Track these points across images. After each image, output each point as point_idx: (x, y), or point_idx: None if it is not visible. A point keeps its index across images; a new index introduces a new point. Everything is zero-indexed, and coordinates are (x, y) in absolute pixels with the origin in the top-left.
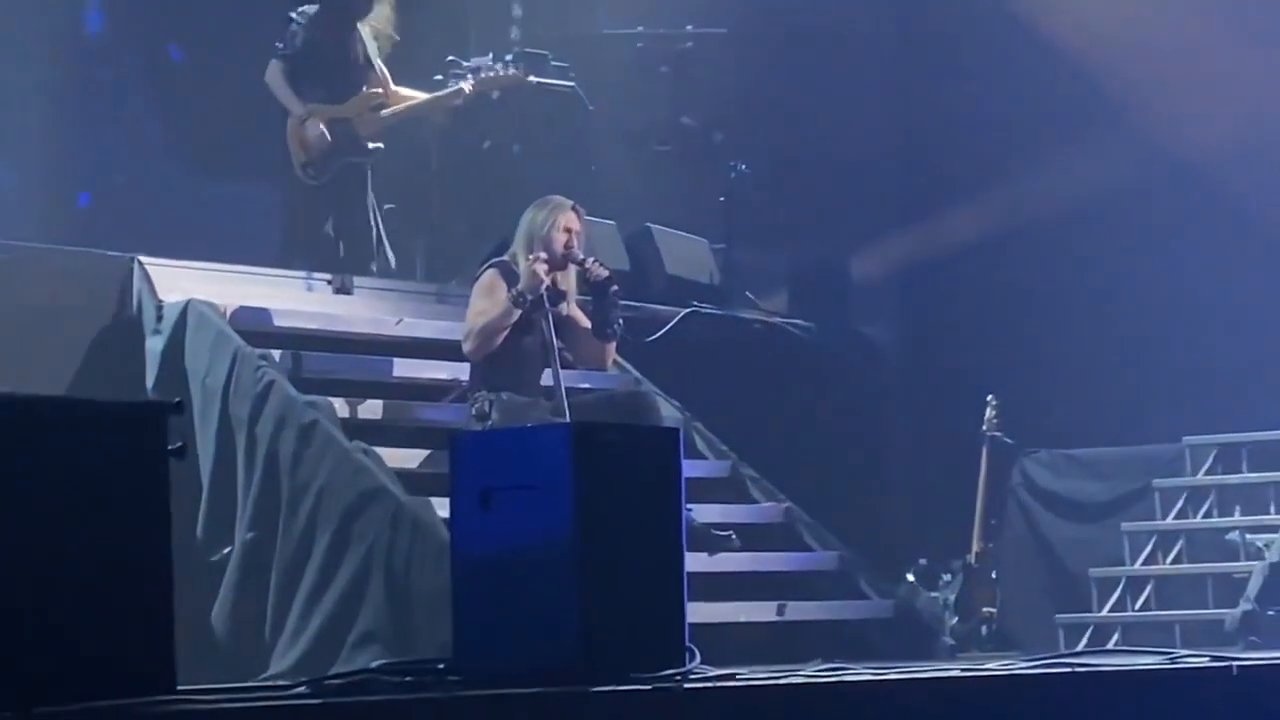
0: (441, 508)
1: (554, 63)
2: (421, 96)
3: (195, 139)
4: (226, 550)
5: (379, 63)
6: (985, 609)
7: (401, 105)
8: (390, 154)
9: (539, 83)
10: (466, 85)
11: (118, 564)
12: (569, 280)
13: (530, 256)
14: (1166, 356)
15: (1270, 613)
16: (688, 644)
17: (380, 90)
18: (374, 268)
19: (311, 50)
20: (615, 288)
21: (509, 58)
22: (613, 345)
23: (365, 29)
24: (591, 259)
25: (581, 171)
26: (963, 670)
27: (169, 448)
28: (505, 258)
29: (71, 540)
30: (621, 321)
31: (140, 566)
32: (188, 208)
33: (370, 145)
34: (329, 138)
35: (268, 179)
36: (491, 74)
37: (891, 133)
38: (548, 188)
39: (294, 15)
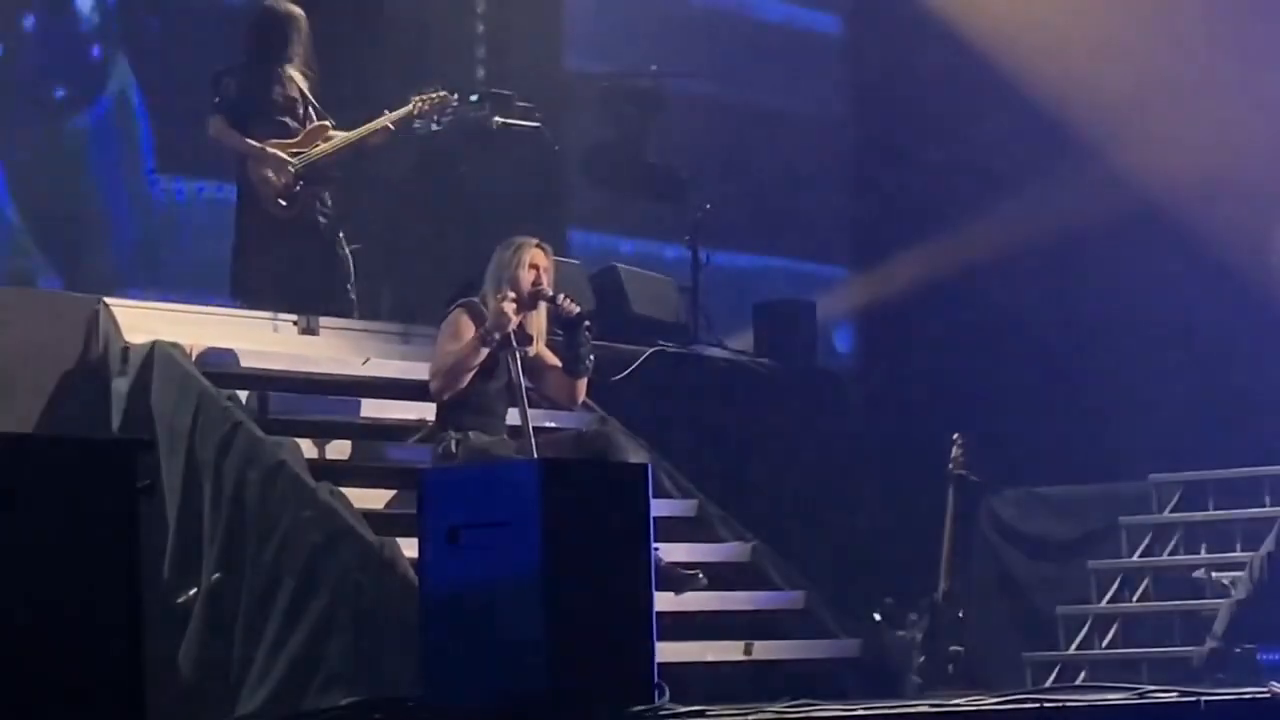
0: (409, 548)
1: (519, 103)
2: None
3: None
4: (193, 592)
5: (314, 101)
6: (952, 647)
7: (353, 134)
8: (355, 195)
9: (504, 123)
10: (415, 107)
11: (86, 604)
12: (538, 322)
13: (498, 295)
14: (1132, 394)
15: (1237, 650)
16: (656, 680)
17: (326, 124)
18: (353, 295)
19: (249, 98)
20: (587, 323)
21: (474, 97)
22: (584, 381)
23: (294, 72)
24: (563, 295)
25: (548, 211)
26: (931, 707)
27: (137, 485)
28: (474, 298)
29: (38, 579)
30: (593, 358)
31: (110, 606)
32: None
33: (327, 175)
34: (291, 169)
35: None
36: (438, 96)
37: (858, 169)
38: (514, 228)
39: (221, 70)
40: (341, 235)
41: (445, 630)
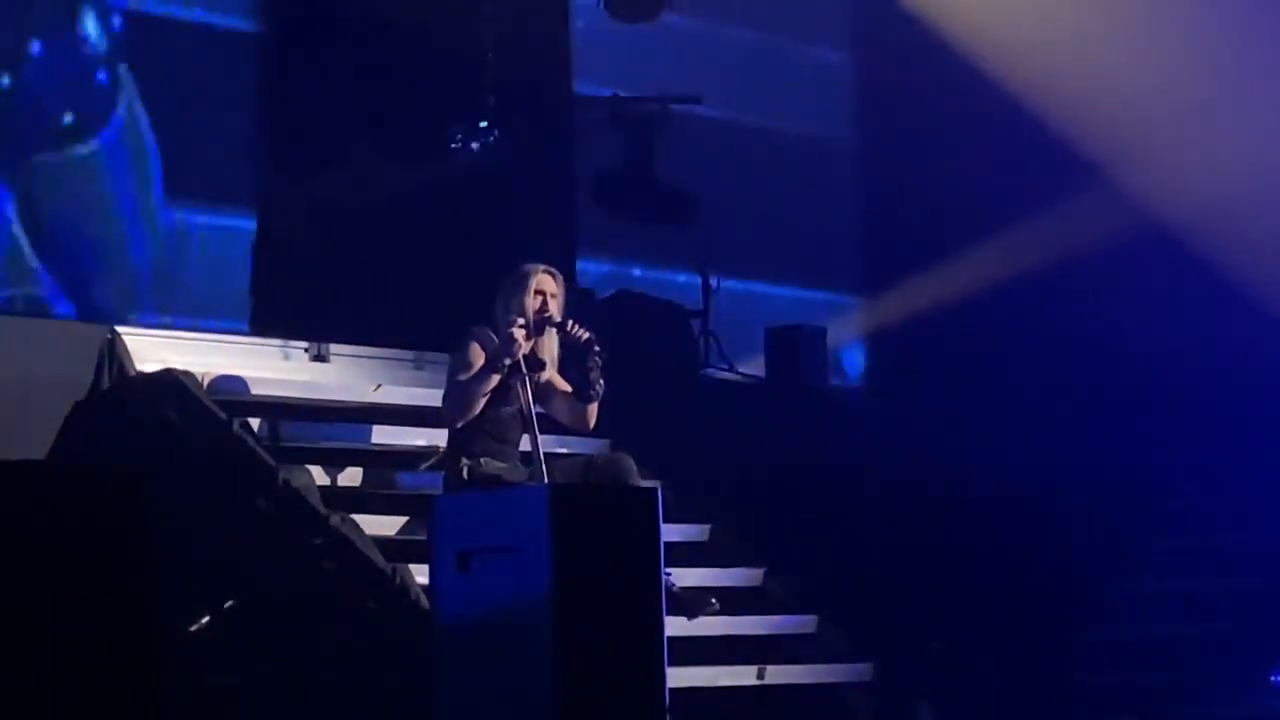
0: (420, 574)
1: (528, 129)
2: None
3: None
4: (205, 620)
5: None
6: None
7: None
8: (365, 220)
9: (516, 149)
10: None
11: (97, 633)
12: (550, 347)
13: (507, 322)
14: (1144, 416)
15: (1251, 672)
16: (666, 707)
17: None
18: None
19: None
20: (597, 349)
21: (484, 124)
22: (595, 407)
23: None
24: (572, 321)
25: (557, 236)
26: None
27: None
28: (485, 325)
29: (50, 607)
30: (603, 383)
31: (121, 633)
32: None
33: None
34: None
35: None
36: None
37: (867, 193)
38: (523, 254)
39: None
40: (349, 260)
41: (456, 656)
